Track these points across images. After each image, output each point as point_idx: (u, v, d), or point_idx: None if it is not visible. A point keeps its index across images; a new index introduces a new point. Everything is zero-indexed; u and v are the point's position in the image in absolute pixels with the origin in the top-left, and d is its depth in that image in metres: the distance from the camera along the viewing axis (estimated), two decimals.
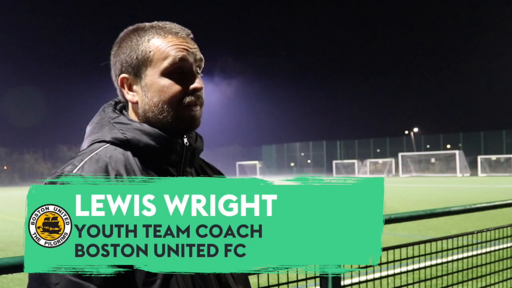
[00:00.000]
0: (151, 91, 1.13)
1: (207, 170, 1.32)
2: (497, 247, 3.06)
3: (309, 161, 67.98)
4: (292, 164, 69.07)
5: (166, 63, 1.12)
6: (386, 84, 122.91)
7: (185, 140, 1.18)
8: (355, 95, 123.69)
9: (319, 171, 63.22)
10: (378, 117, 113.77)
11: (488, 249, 2.97)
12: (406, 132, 64.49)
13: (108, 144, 1.11)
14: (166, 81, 1.13)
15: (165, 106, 1.13)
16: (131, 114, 1.19)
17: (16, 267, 1.45)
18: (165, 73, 1.13)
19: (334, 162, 58.49)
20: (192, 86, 1.14)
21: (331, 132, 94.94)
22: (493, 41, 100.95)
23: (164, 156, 1.13)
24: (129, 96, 1.17)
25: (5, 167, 60.55)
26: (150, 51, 1.13)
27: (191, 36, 1.18)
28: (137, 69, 1.14)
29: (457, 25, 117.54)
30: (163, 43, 1.13)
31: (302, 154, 68.69)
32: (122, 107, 1.22)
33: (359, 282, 2.32)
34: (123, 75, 1.16)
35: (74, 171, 1.04)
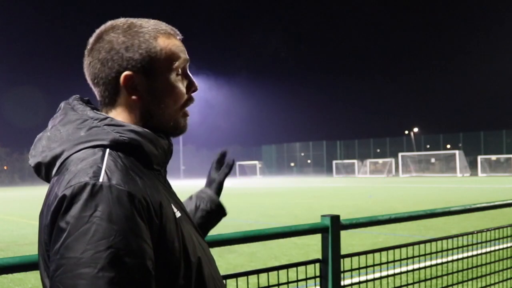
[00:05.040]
0: (160, 90, 1.11)
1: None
2: (497, 247, 3.06)
3: (309, 161, 67.98)
4: (292, 164, 69.07)
5: (177, 64, 1.13)
6: (386, 84, 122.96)
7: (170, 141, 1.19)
8: (355, 95, 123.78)
9: (319, 171, 63.21)
10: (378, 117, 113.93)
11: (488, 249, 2.97)
12: (406, 132, 64.57)
13: (108, 149, 1.01)
14: (175, 81, 1.13)
15: (173, 106, 1.13)
16: (120, 114, 1.11)
17: (16, 267, 1.45)
18: (175, 73, 1.13)
19: (334, 162, 58.46)
20: (194, 87, 1.17)
21: (331, 132, 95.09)
22: (493, 41, 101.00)
23: (160, 157, 1.12)
24: (130, 93, 1.10)
25: (5, 167, 60.52)
26: (160, 50, 1.11)
27: (181, 38, 1.20)
28: (147, 66, 1.09)
29: (457, 25, 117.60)
30: (170, 43, 1.13)
31: (302, 154, 68.69)
32: (93, 106, 1.14)
33: (359, 282, 2.32)
34: (127, 72, 1.08)
35: (101, 180, 0.93)
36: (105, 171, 0.95)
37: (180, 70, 1.14)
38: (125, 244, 0.89)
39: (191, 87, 1.17)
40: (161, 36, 1.12)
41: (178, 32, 1.19)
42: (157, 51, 1.10)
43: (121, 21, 1.14)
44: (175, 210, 1.07)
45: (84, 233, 0.88)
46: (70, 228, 0.89)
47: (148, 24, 1.14)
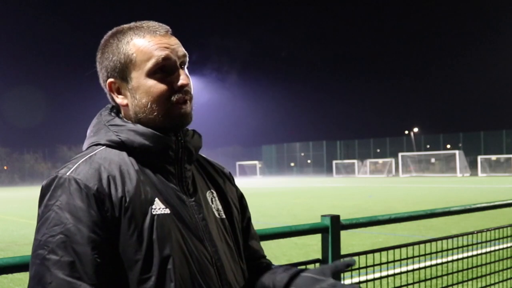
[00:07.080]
0: (138, 92, 1.14)
1: (208, 168, 1.32)
2: (497, 247, 3.06)
3: (309, 161, 67.94)
4: (292, 164, 69.04)
5: (150, 64, 1.13)
6: (386, 84, 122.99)
7: (179, 137, 1.18)
8: (355, 95, 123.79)
9: (319, 171, 63.19)
10: (378, 117, 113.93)
11: (488, 249, 2.97)
12: (406, 132, 64.53)
13: (104, 147, 1.14)
14: (152, 82, 1.14)
15: (154, 106, 1.14)
16: (125, 116, 1.21)
17: (16, 267, 1.46)
18: (150, 73, 1.14)
19: (334, 162, 58.44)
20: (179, 84, 1.15)
21: (331, 132, 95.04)
22: (493, 41, 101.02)
23: (159, 154, 1.14)
24: (119, 99, 1.18)
25: (5, 167, 60.51)
26: (132, 53, 1.14)
27: (170, 32, 1.19)
28: (122, 72, 1.16)
29: (457, 26, 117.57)
30: (143, 43, 1.14)
31: (302, 154, 68.64)
32: (117, 111, 1.24)
33: (359, 282, 2.31)
34: (110, 79, 1.18)
35: (68, 173, 1.06)
36: (77, 165, 1.08)
37: (156, 68, 1.14)
38: (73, 232, 0.99)
39: (175, 83, 1.15)
40: (135, 39, 1.15)
41: (164, 28, 1.18)
42: (128, 55, 1.15)
43: (110, 32, 1.21)
44: (159, 206, 1.09)
45: (46, 219, 1.02)
46: (40, 214, 1.04)
47: (128, 29, 1.18)
